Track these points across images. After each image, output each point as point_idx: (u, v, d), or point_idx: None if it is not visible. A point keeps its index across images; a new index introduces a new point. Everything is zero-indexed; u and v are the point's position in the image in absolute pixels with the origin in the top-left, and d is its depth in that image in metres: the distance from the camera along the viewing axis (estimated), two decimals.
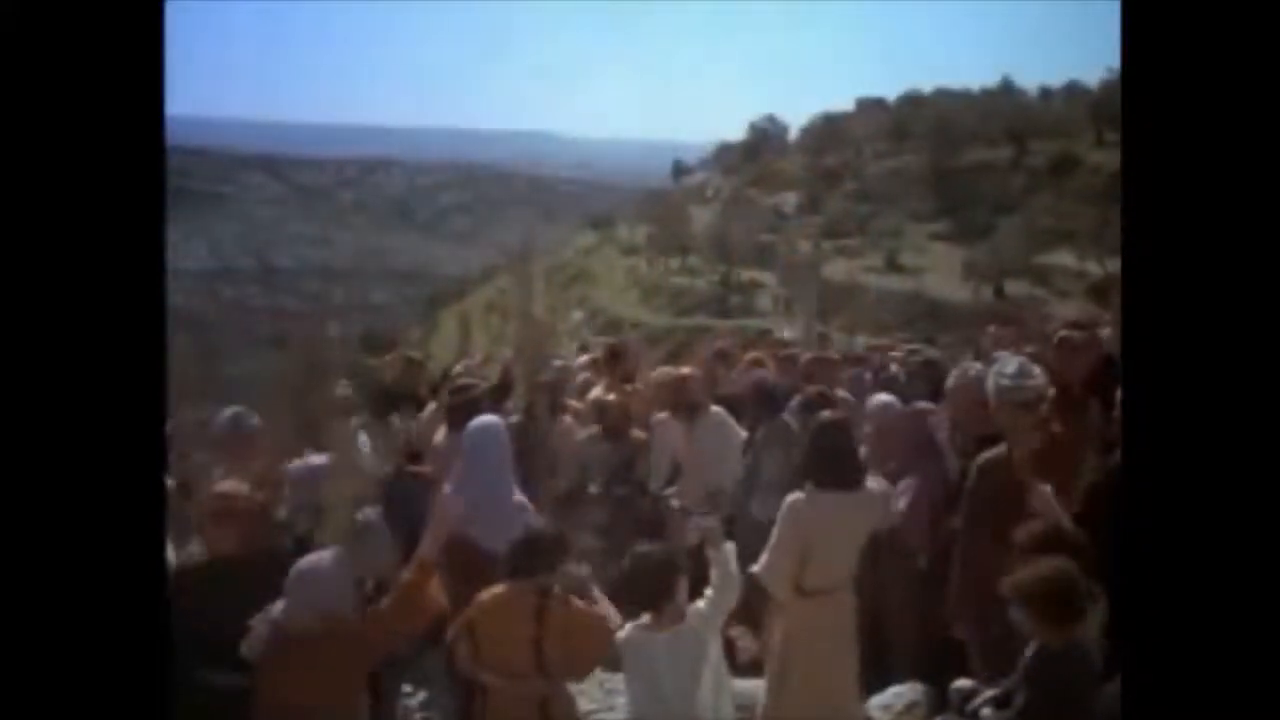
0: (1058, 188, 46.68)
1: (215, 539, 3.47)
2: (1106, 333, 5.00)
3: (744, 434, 5.62)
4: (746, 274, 49.17)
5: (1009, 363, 3.92)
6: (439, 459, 4.99)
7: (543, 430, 5.68)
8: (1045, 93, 63.90)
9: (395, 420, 5.45)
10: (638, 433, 5.79)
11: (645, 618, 3.27)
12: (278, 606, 3.09)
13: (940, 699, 4.02)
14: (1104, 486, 3.43)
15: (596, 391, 6.17)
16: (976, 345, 6.65)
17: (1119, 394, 3.48)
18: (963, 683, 3.55)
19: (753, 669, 4.34)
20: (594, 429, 5.79)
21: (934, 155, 54.49)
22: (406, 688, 4.69)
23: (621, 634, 3.28)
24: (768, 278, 47.12)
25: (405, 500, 4.45)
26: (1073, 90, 60.27)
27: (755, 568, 3.73)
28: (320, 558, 3.16)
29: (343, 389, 5.87)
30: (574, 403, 6.27)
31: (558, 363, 7.53)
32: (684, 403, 5.69)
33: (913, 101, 66.62)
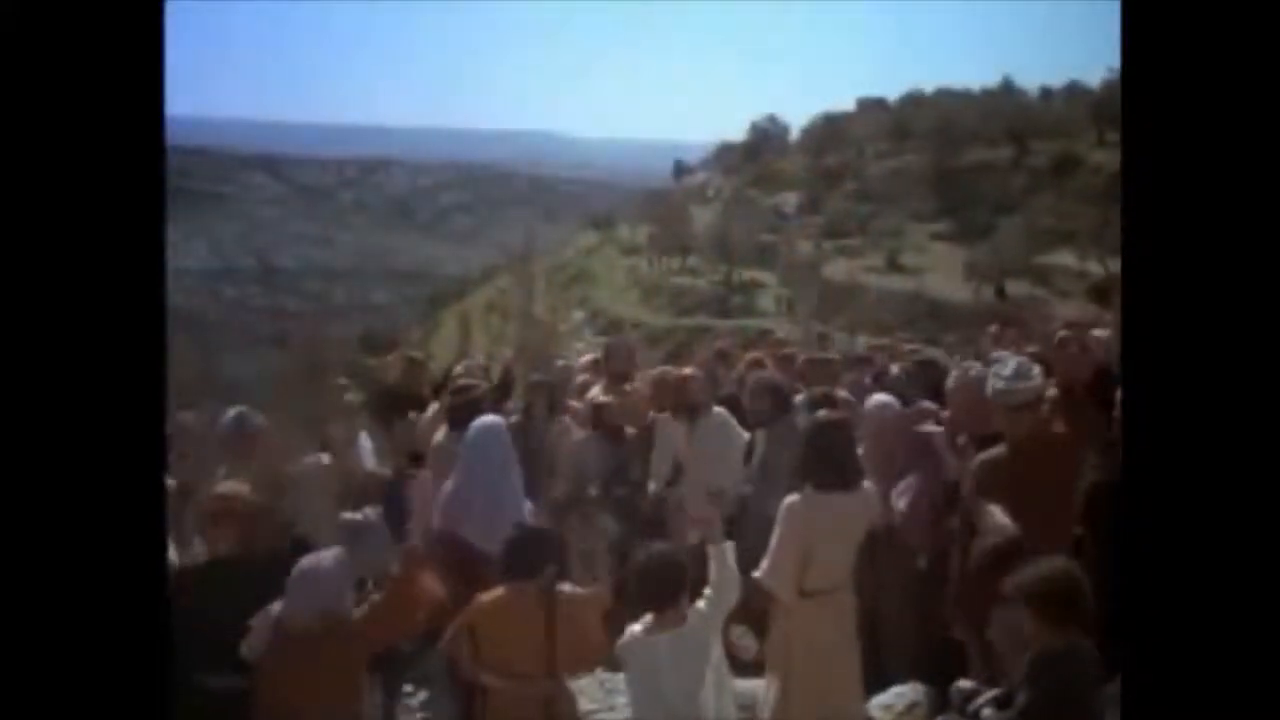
0: (1059, 188, 46.70)
1: (215, 540, 3.48)
2: (1106, 333, 5.00)
3: (745, 435, 5.62)
4: (747, 274, 49.18)
5: (1007, 364, 3.92)
6: (439, 458, 5.00)
7: (541, 431, 5.67)
8: (1046, 93, 63.88)
9: (396, 420, 5.45)
10: (631, 430, 5.76)
11: (647, 619, 3.27)
12: (277, 606, 3.09)
13: (941, 699, 4.02)
14: (1105, 486, 3.43)
15: (594, 392, 6.16)
16: (976, 345, 6.64)
17: (1119, 394, 3.47)
18: (964, 683, 3.55)
19: (754, 669, 4.34)
20: (587, 430, 5.77)
21: (935, 155, 54.50)
22: (407, 688, 4.69)
23: (623, 636, 3.28)
24: (768, 278, 47.14)
25: (405, 500, 4.46)
26: (1074, 90, 60.27)
27: (757, 573, 3.72)
28: (320, 558, 3.16)
29: (344, 389, 5.87)
30: (574, 403, 6.27)
31: (559, 363, 7.54)
32: (685, 403, 5.68)
33: (914, 101, 66.63)
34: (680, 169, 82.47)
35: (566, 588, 3.39)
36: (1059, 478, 3.61)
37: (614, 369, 6.34)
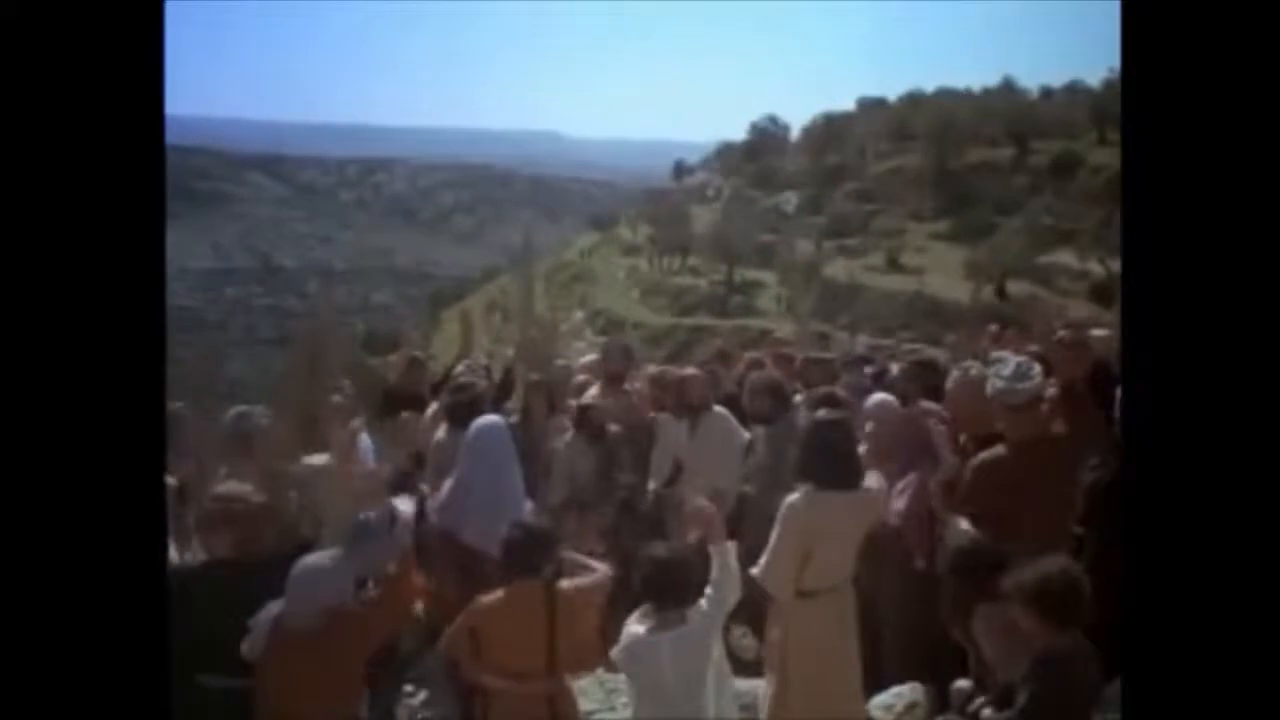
0: (1059, 188, 46.65)
1: (216, 540, 3.47)
2: (1106, 332, 4.99)
3: (746, 435, 5.62)
4: (747, 274, 49.17)
5: (1006, 364, 3.92)
6: (440, 456, 5.00)
7: (539, 431, 5.67)
8: (1047, 92, 63.89)
9: (398, 420, 5.45)
10: (614, 428, 5.74)
11: (649, 619, 3.27)
12: (277, 606, 3.09)
13: (940, 699, 4.02)
14: (1105, 486, 3.42)
15: (592, 392, 6.16)
16: (975, 345, 6.61)
17: (1119, 393, 3.47)
18: (963, 683, 3.56)
19: (754, 668, 4.34)
20: (570, 432, 5.73)
21: (935, 155, 54.44)
22: (407, 688, 4.70)
23: (625, 637, 3.28)
24: (769, 277, 47.13)
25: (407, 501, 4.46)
26: (1074, 90, 60.30)
27: (755, 570, 3.72)
28: (321, 557, 3.17)
29: (345, 389, 5.87)
30: (574, 403, 6.26)
31: (559, 363, 7.54)
32: (686, 403, 5.68)
33: (914, 101, 66.59)
34: (680, 169, 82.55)
35: (565, 583, 3.39)
36: (1059, 478, 3.61)
37: (611, 370, 6.34)
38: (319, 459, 4.46)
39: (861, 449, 4.09)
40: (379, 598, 3.24)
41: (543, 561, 3.35)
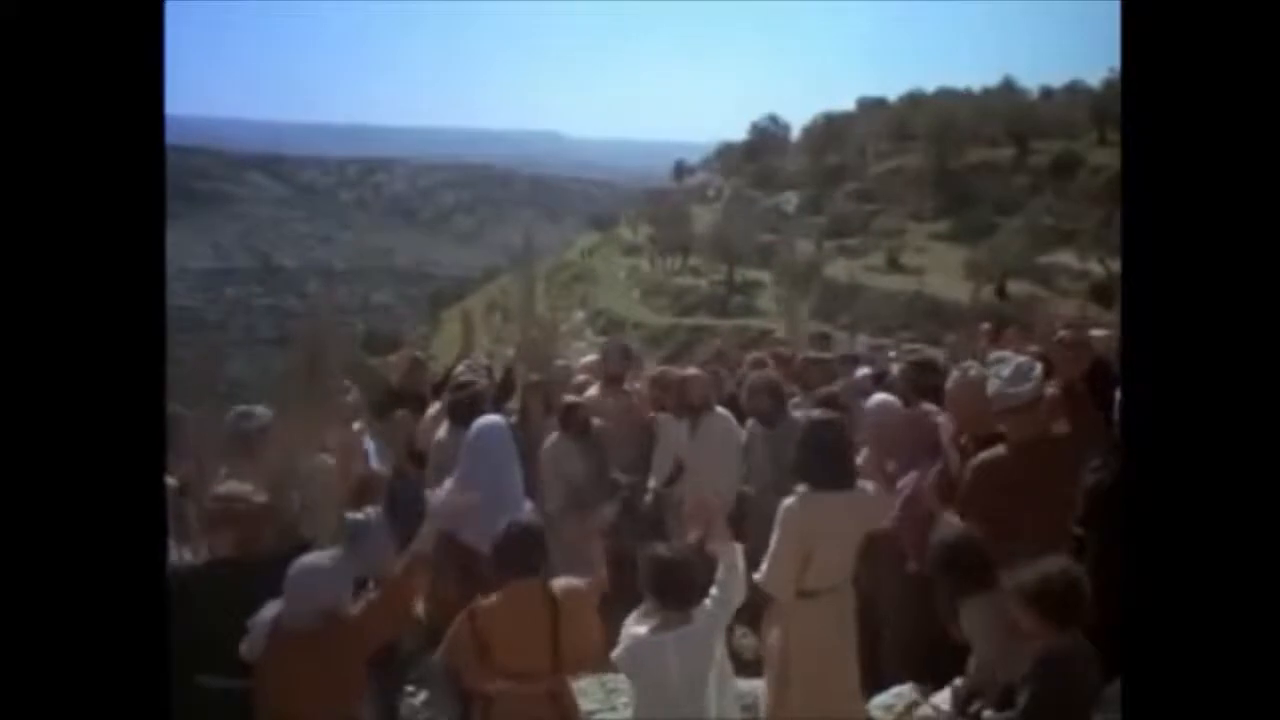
0: (1059, 188, 46.62)
1: (216, 540, 3.47)
2: (1105, 332, 4.98)
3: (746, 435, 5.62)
4: (748, 274, 49.14)
5: (1006, 365, 3.92)
6: (440, 455, 5.00)
7: (538, 431, 5.67)
8: (1047, 92, 63.83)
9: (398, 420, 5.45)
10: (598, 421, 5.73)
11: (651, 619, 3.26)
12: (276, 606, 3.09)
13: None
14: (1106, 487, 3.42)
15: (592, 392, 6.16)
16: (974, 345, 6.59)
17: (1119, 393, 3.47)
18: (960, 682, 3.55)
19: (756, 668, 4.34)
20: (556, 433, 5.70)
21: (936, 155, 54.39)
22: (407, 688, 4.70)
23: (627, 637, 3.27)
24: (768, 277, 47.09)
25: (406, 500, 4.46)
26: (1074, 90, 60.21)
27: (757, 575, 3.72)
28: (320, 557, 3.17)
29: (346, 389, 5.87)
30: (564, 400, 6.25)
31: (559, 363, 7.54)
32: (687, 403, 5.68)
33: (914, 101, 66.52)
34: (680, 169, 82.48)
35: (562, 581, 3.39)
36: (1059, 478, 3.61)
37: (610, 370, 6.34)
38: (319, 459, 4.46)
39: (862, 450, 4.09)
40: (378, 598, 3.24)
41: (541, 560, 3.35)
